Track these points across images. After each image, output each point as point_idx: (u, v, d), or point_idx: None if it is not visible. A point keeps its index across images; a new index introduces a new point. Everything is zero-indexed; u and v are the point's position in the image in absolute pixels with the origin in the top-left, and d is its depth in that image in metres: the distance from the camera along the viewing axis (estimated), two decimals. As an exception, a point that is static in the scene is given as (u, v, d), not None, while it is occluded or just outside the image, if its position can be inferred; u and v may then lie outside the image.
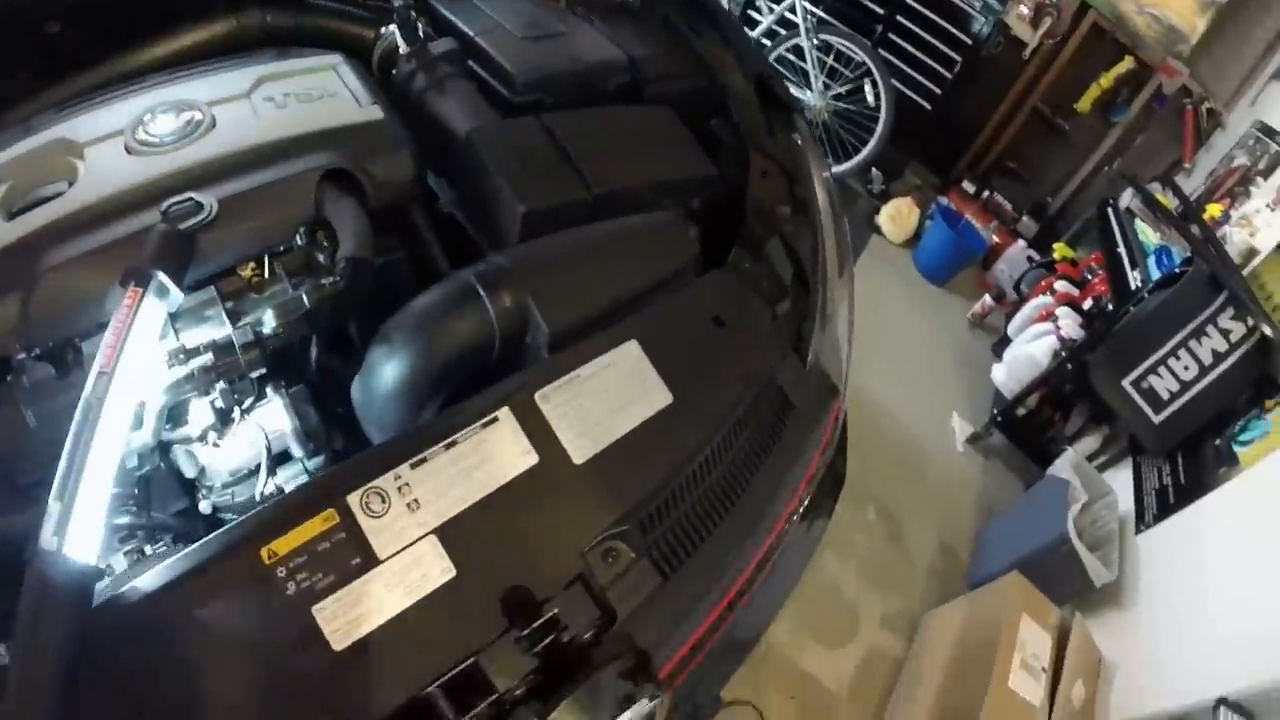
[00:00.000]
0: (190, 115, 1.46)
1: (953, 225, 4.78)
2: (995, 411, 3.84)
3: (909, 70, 5.01)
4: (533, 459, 1.26)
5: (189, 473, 1.31)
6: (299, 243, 1.39)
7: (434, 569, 1.16)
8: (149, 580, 1.04)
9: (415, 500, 1.18)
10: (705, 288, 1.51)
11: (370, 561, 1.13)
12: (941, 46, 4.88)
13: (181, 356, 1.23)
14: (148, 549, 1.31)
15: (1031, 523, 3.21)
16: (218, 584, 1.06)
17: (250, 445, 1.30)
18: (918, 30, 4.90)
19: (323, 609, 1.07)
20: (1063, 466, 3.30)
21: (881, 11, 4.98)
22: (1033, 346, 3.82)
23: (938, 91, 5.03)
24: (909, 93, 4.99)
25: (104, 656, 1.00)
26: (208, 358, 1.25)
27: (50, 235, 1.31)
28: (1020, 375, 3.82)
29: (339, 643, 1.07)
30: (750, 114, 1.78)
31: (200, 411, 1.28)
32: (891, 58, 4.88)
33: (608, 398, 1.34)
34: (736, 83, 1.81)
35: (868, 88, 4.61)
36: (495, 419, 1.26)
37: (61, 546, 1.00)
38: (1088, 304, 3.90)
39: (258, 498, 1.32)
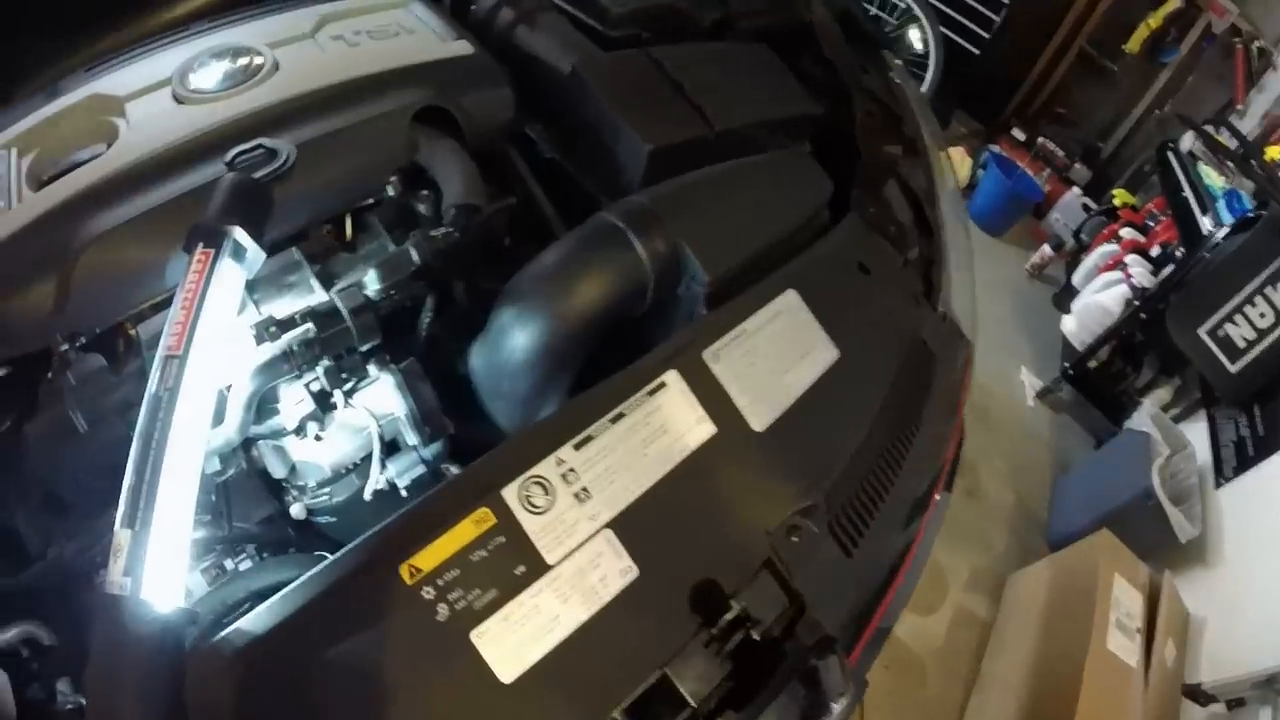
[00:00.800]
0: (248, 59, 1.07)
1: (1008, 173, 4.18)
2: (1066, 364, 3.32)
3: (952, 13, 4.27)
4: (709, 428, 0.94)
5: (277, 472, 1.00)
6: (391, 192, 1.06)
7: (613, 569, 0.85)
8: (258, 620, 0.74)
9: (584, 489, 0.85)
10: (846, 231, 1.14)
11: (538, 568, 0.81)
12: None
13: (273, 330, 0.91)
14: (229, 563, 0.99)
15: (1112, 477, 2.80)
16: (348, 615, 0.76)
17: (354, 435, 0.97)
18: None
19: (484, 633, 0.77)
20: (1142, 419, 2.88)
21: None
22: (1103, 296, 3.27)
23: (984, 35, 4.27)
24: (954, 36, 4.27)
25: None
26: (307, 329, 0.92)
27: (88, 201, 0.96)
28: (1091, 326, 3.28)
29: (508, 673, 0.77)
30: (842, 50, 1.40)
31: (293, 398, 0.95)
32: (937, 2, 4.18)
33: (777, 354, 1.03)
34: (823, 18, 1.43)
35: (914, 33, 4.01)
36: (663, 384, 0.94)
37: (137, 589, 0.68)
38: (1155, 250, 3.37)
39: (366, 496, 0.99)
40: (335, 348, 0.91)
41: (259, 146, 0.96)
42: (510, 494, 0.80)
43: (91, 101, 1.11)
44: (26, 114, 1.14)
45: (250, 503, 0.99)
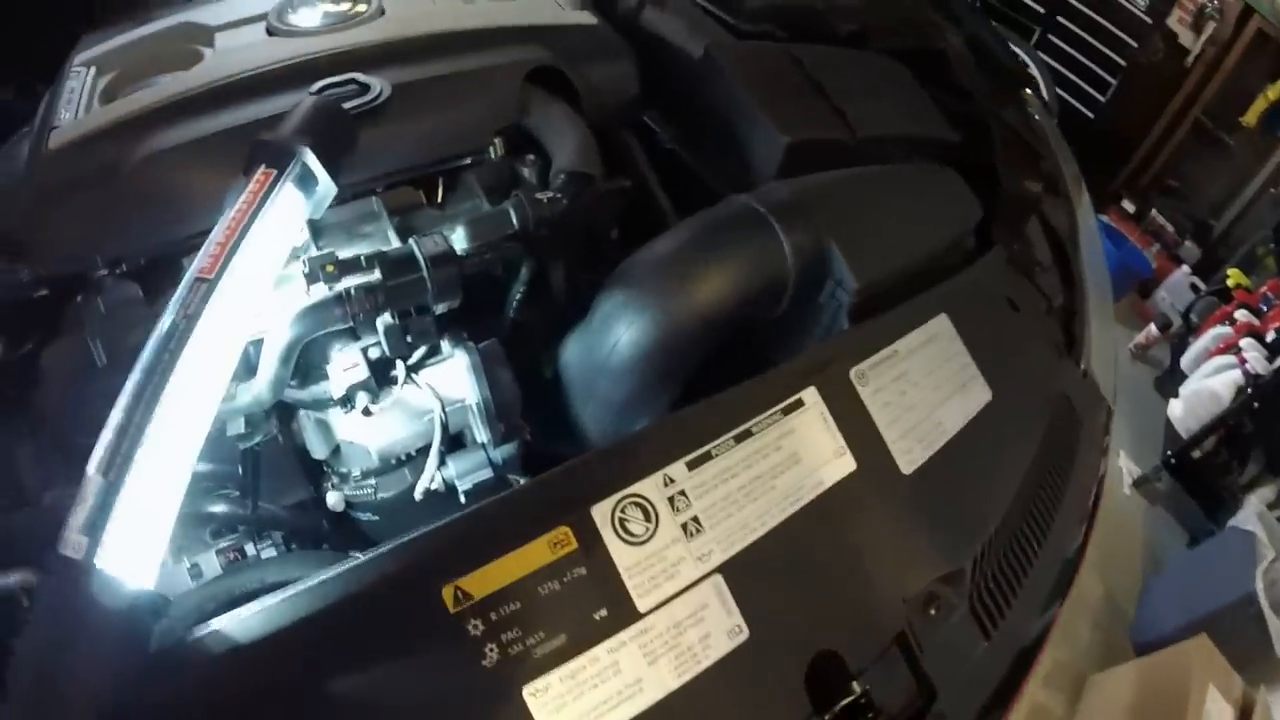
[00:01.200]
0: (352, 2, 0.83)
1: (1116, 245, 3.70)
2: (1168, 452, 2.89)
3: (1068, 73, 3.81)
4: (848, 463, 0.71)
5: (317, 451, 0.78)
6: (494, 154, 0.85)
7: (719, 627, 0.61)
8: (249, 622, 0.54)
9: (695, 519, 0.63)
10: (995, 262, 0.90)
11: (625, 615, 0.59)
12: (1104, 49, 3.68)
13: (330, 269, 0.70)
14: (250, 548, 0.79)
15: (1210, 578, 2.42)
16: (365, 638, 0.54)
17: (412, 418, 0.75)
18: (1079, 32, 3.68)
19: (541, 691, 0.55)
20: (1246, 517, 2.50)
21: (1041, 10, 3.72)
22: (1214, 381, 2.86)
23: (1099, 99, 3.83)
24: (1068, 98, 3.82)
25: None
26: (373, 275, 0.70)
27: (153, 118, 0.78)
28: (1199, 412, 2.88)
29: None
30: (979, 81, 1.17)
31: (346, 362, 0.74)
32: (1051, 61, 3.71)
33: (929, 385, 0.79)
34: (958, 47, 1.21)
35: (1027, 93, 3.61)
36: (800, 402, 0.71)
37: (93, 553, 0.48)
38: (1271, 336, 2.94)
39: (417, 495, 0.76)
40: (403, 301, 0.70)
41: (351, 81, 0.78)
42: (601, 514, 0.59)
43: (181, 28, 0.96)
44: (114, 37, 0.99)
45: (282, 483, 0.79)
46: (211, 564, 0.77)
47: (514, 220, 0.74)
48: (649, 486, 0.60)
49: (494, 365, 0.72)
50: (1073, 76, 3.76)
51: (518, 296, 0.78)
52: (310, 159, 0.67)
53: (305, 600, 0.54)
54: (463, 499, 0.74)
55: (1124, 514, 2.91)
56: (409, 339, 0.71)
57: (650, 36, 1.03)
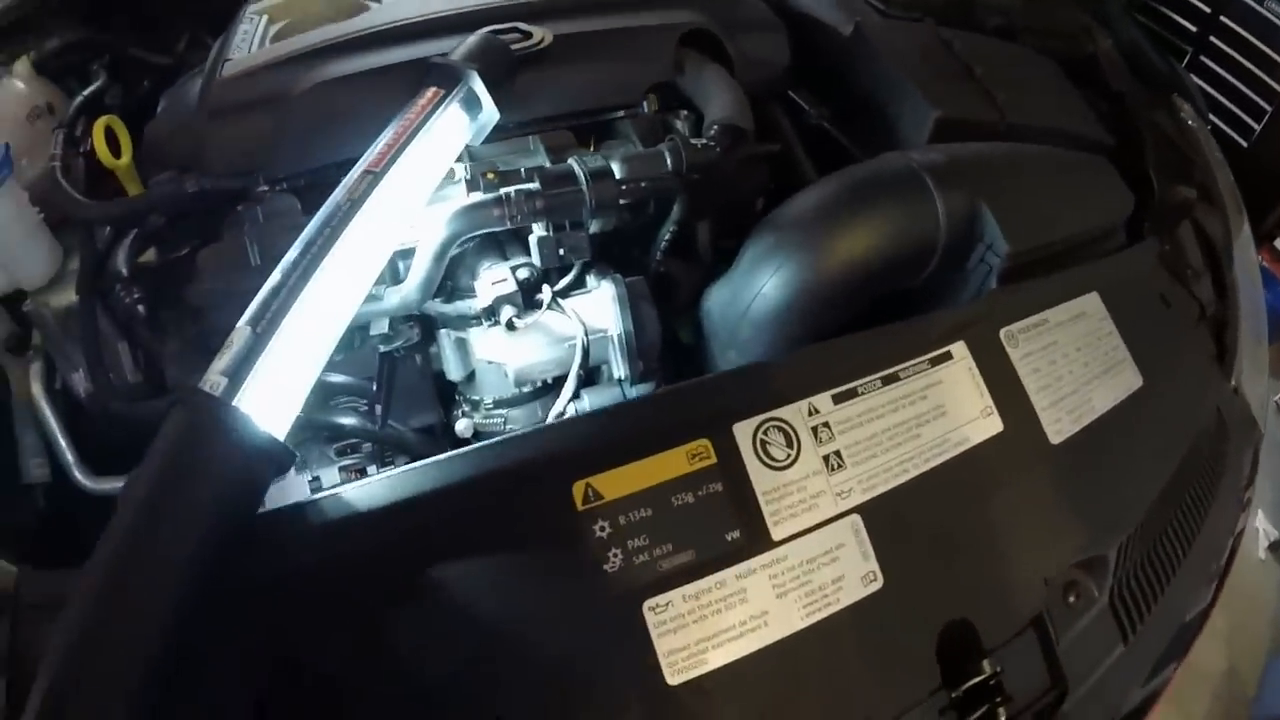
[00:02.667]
0: None
1: (1270, 289, 3.33)
2: None
3: (1222, 98, 3.38)
4: (995, 424, 0.67)
5: (453, 373, 0.77)
6: (646, 109, 0.85)
7: (854, 571, 0.57)
8: (369, 491, 0.54)
9: (837, 453, 0.60)
10: (1147, 255, 0.84)
11: (758, 541, 0.56)
12: (1260, 74, 3.30)
13: (492, 178, 0.71)
14: (372, 470, 0.78)
15: None
16: (486, 524, 0.53)
17: (553, 344, 0.73)
18: (1234, 54, 3.35)
19: (662, 607, 0.53)
20: None
21: (1194, 30, 3.39)
22: None
23: (1254, 126, 3.37)
24: (1221, 124, 3.35)
25: (265, 599, 0.50)
26: (533, 184, 0.71)
27: (321, 53, 0.81)
28: None
29: (677, 672, 0.52)
30: (1131, 84, 1.13)
31: (496, 276, 0.73)
32: (1203, 84, 3.33)
33: (1080, 359, 0.74)
34: (1108, 50, 1.17)
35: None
36: (948, 354, 0.67)
37: (234, 396, 0.50)
38: None
39: (553, 419, 0.74)
40: (561, 212, 0.70)
41: (514, 28, 0.79)
42: (743, 432, 0.56)
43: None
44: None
45: (414, 404, 0.79)
46: (333, 479, 0.77)
47: (668, 161, 0.73)
48: (793, 413, 0.57)
49: (639, 299, 0.71)
50: (1226, 102, 3.36)
51: (667, 237, 0.76)
52: (477, 83, 0.67)
53: (431, 474, 0.53)
54: None
55: (1256, 580, 2.57)
56: (561, 251, 0.71)
57: (799, 15, 1.01)
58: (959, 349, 0.66)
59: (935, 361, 0.64)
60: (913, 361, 0.63)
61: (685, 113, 0.83)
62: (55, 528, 0.85)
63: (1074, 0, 1.22)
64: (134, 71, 1.04)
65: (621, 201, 0.71)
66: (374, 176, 0.59)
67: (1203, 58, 2.94)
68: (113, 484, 0.79)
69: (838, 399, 0.59)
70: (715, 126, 0.76)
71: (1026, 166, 0.82)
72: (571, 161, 0.72)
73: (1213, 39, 2.96)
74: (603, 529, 0.52)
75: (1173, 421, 0.80)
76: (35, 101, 0.96)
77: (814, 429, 0.57)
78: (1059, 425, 0.68)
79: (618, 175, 0.72)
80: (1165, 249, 0.97)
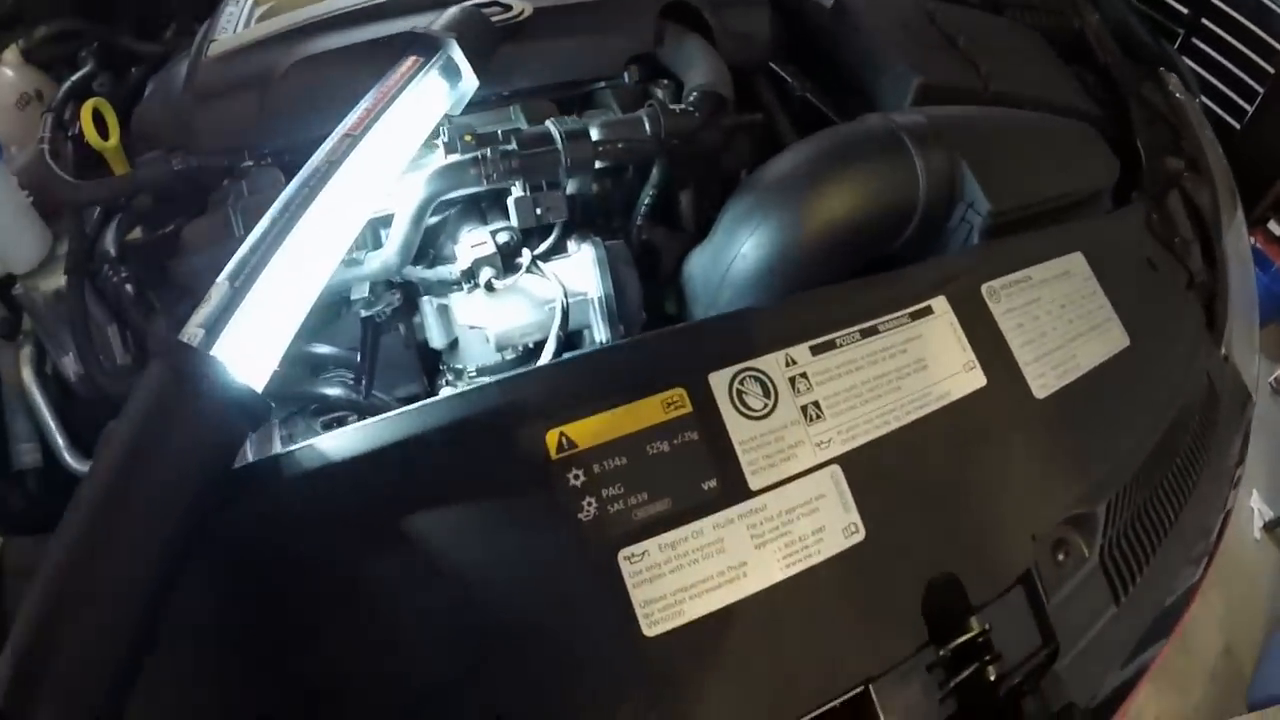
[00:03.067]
0: None
1: (1264, 270, 3.28)
2: None
3: (1215, 82, 3.28)
4: (979, 378, 0.66)
5: (436, 340, 0.78)
6: (627, 80, 0.86)
7: (834, 522, 0.57)
8: (344, 441, 0.54)
9: (815, 404, 0.60)
10: (1133, 218, 0.84)
11: (735, 490, 0.55)
12: (1253, 56, 3.21)
13: (470, 139, 0.72)
14: None
15: None
16: (459, 473, 0.53)
17: (535, 305, 0.74)
18: (1227, 37, 3.25)
19: (637, 556, 0.52)
20: None
21: (1185, 11, 3.29)
22: None
23: (1247, 109, 3.29)
24: (1213, 105, 3.24)
25: (241, 553, 0.51)
26: (510, 145, 0.72)
27: (305, 31, 0.82)
28: None
29: (654, 622, 0.51)
30: (1118, 57, 1.12)
31: (475, 240, 0.74)
32: (1195, 67, 3.23)
33: (1063, 316, 0.73)
34: (1095, 25, 1.17)
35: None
36: (929, 309, 0.67)
37: (208, 345, 0.50)
38: None
39: None
40: (537, 172, 0.71)
41: (494, 1, 0.80)
42: (719, 382, 0.56)
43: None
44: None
45: (397, 374, 0.79)
46: None
47: (646, 126, 0.73)
48: (770, 363, 0.57)
49: (619, 263, 0.71)
50: (1218, 84, 3.27)
51: (646, 201, 0.76)
52: (455, 51, 0.67)
53: (405, 421, 0.52)
54: None
55: (1253, 561, 2.60)
56: (538, 211, 0.71)
57: None
58: (940, 303, 0.65)
59: (916, 315, 0.64)
60: (892, 315, 0.63)
61: (666, 82, 0.83)
62: (47, 513, 0.85)
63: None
64: (122, 59, 1.04)
65: (598, 164, 0.71)
66: (352, 140, 0.59)
67: (1195, 40, 2.90)
68: (103, 467, 0.80)
69: (816, 350, 0.58)
70: (695, 93, 0.76)
71: (1009, 128, 0.81)
72: (549, 123, 0.72)
73: (1205, 21, 2.94)
74: (577, 478, 0.51)
75: (1161, 382, 0.79)
76: (24, 89, 0.97)
77: (791, 380, 0.57)
78: (1043, 380, 0.67)
79: (594, 137, 0.72)
80: (1153, 217, 0.96)
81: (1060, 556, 0.65)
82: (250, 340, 0.51)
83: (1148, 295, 0.83)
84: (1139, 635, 0.76)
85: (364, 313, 0.73)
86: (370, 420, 0.53)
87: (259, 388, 0.51)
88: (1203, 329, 0.93)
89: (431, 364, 0.80)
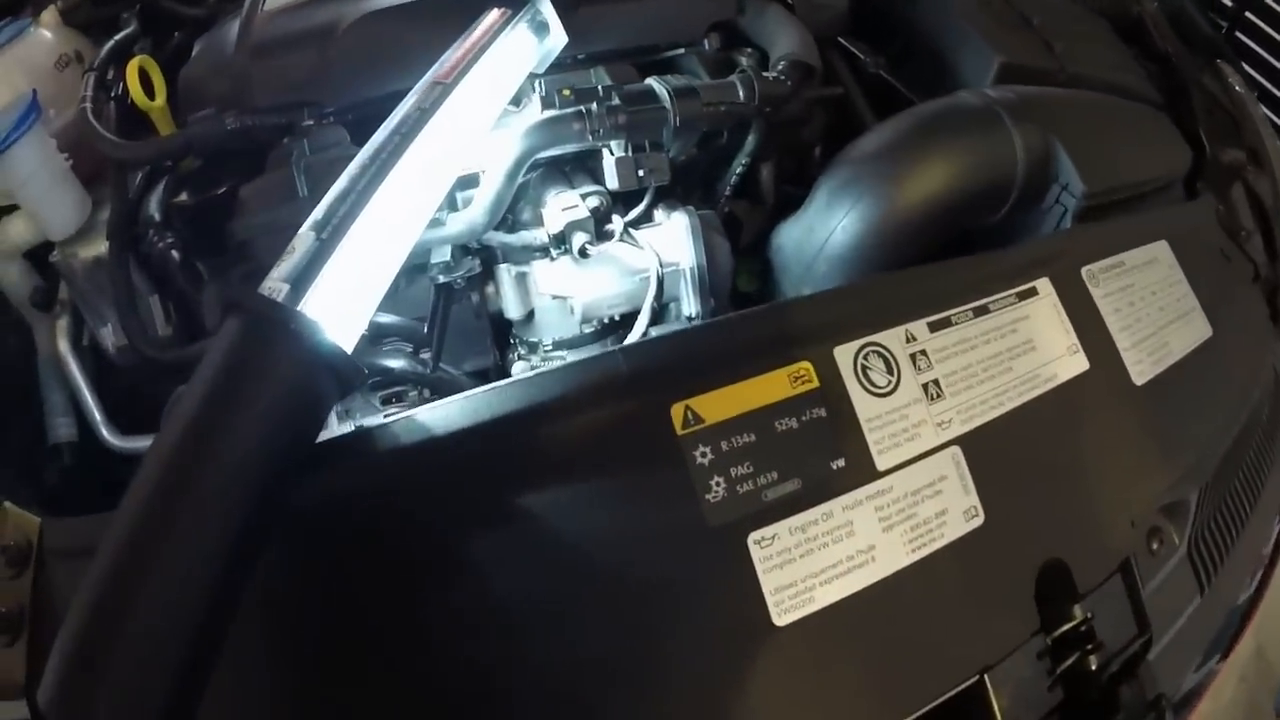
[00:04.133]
0: None
1: None
2: None
3: (1260, 79, 3.04)
4: (1081, 362, 0.64)
5: (512, 310, 0.73)
6: (708, 47, 0.82)
7: (956, 505, 0.54)
8: (444, 414, 0.49)
9: (936, 382, 0.57)
10: (1206, 210, 0.84)
11: (863, 470, 0.52)
12: None
13: (568, 94, 0.68)
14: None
15: None
16: (577, 446, 0.49)
17: (625, 275, 0.69)
18: (1271, 32, 3.09)
19: (766, 542, 0.49)
20: None
21: (1229, 4, 3.09)
22: None
23: None
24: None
25: (330, 538, 0.46)
26: (613, 101, 0.68)
27: None
28: None
29: (784, 611, 0.48)
30: (1177, 46, 1.12)
31: (566, 203, 0.69)
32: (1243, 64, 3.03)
33: (1155, 304, 0.71)
34: (1153, 12, 1.16)
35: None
36: (1034, 289, 0.64)
37: (294, 300, 0.45)
38: None
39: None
40: (642, 130, 0.68)
41: (572, -36, 0.77)
42: (844, 356, 0.52)
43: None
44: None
45: (467, 346, 0.75)
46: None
47: (740, 92, 0.70)
48: (892, 338, 0.54)
49: (712, 231, 0.68)
50: (1263, 80, 3.02)
51: (738, 170, 0.73)
52: (545, 5, 0.63)
53: (514, 393, 0.48)
54: None
55: None
56: (641, 173, 0.67)
57: None
58: (1043, 285, 0.63)
59: (1022, 296, 0.61)
60: (1001, 294, 0.60)
61: (751, 51, 0.80)
62: (82, 487, 0.82)
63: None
64: (166, 22, 0.98)
65: (703, 126, 0.69)
66: (444, 88, 0.55)
67: (1239, 34, 2.87)
68: (141, 442, 0.75)
69: (933, 327, 0.56)
70: (783, 62, 0.74)
71: (1099, 110, 0.79)
72: (651, 80, 0.69)
73: (1249, 14, 2.89)
74: (704, 455, 0.48)
75: (1239, 374, 0.78)
76: (63, 50, 0.92)
77: (912, 356, 0.54)
78: (1140, 367, 0.65)
79: (701, 97, 0.69)
80: (1219, 208, 0.96)
81: (1155, 545, 0.65)
82: (339, 298, 0.46)
83: (1223, 286, 0.81)
84: (1218, 628, 0.76)
85: (442, 278, 0.68)
86: (476, 391, 0.49)
87: (349, 349, 0.48)
88: (1269, 322, 0.93)
89: (502, 336, 0.76)
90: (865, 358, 0.52)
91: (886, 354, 0.53)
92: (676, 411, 0.48)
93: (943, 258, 0.69)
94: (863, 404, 0.52)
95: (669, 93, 0.68)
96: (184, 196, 0.77)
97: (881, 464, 0.51)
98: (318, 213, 0.48)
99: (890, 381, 0.53)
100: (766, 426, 0.49)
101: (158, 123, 0.83)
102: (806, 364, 0.51)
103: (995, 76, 0.83)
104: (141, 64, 0.80)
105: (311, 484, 0.44)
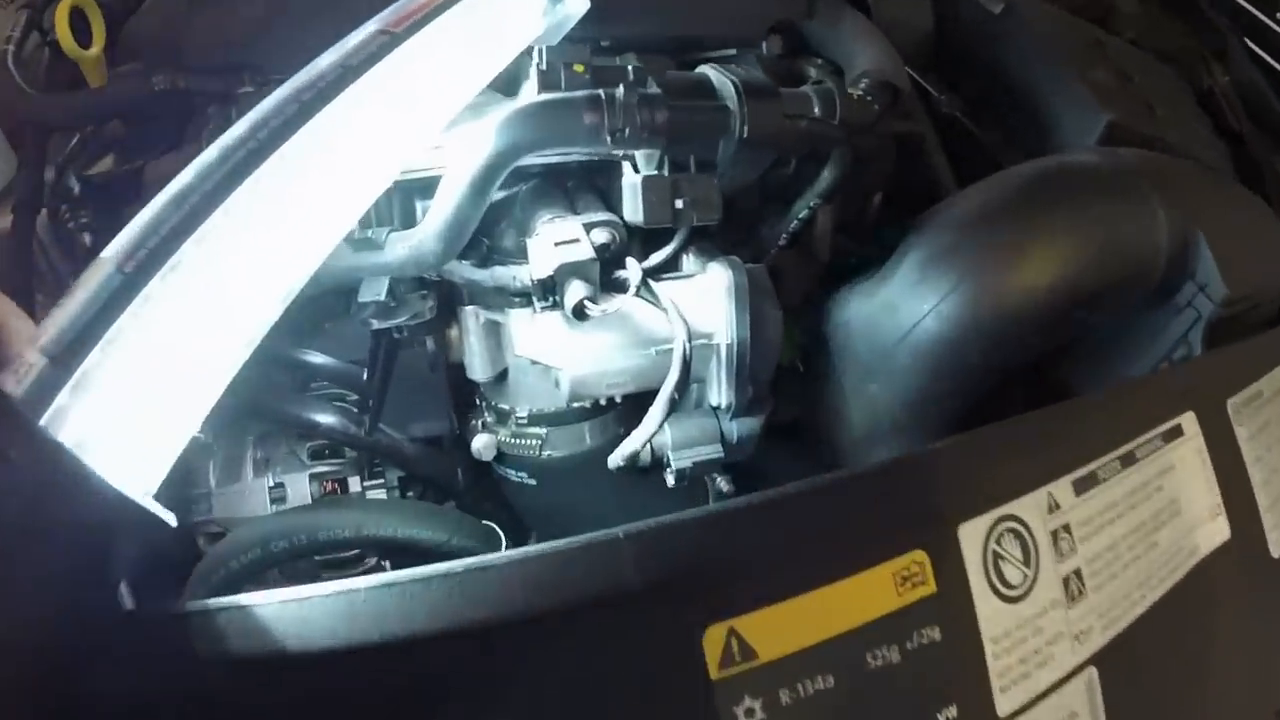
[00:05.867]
0: None
1: None
2: None
3: None
4: (1223, 529, 0.44)
5: (477, 370, 0.50)
6: (766, 51, 0.59)
7: None
8: (333, 607, 0.25)
9: (1077, 573, 0.35)
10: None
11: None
12: None
13: (581, 70, 0.44)
14: (354, 482, 0.53)
15: None
16: (551, 700, 0.24)
17: (635, 347, 0.45)
18: None
19: None
20: None
21: None
22: None
23: None
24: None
25: None
26: (649, 88, 0.43)
27: None
28: None
29: None
30: (1251, 128, 0.94)
31: (563, 234, 0.44)
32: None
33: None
34: (1225, 87, 0.98)
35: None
36: (1178, 428, 0.43)
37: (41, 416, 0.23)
38: None
39: (612, 462, 0.46)
40: (692, 138, 0.43)
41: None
42: (972, 538, 0.32)
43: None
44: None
45: (418, 405, 0.53)
46: (301, 489, 0.52)
47: (815, 107, 0.48)
48: (1031, 508, 0.34)
49: (763, 296, 0.45)
50: None
51: (805, 210, 0.49)
52: None
53: (456, 591, 0.27)
54: (671, 480, 0.46)
55: None
56: (679, 204, 0.43)
57: None
58: (1189, 421, 0.44)
59: (1168, 436, 0.42)
60: (1148, 435, 0.41)
61: (820, 62, 0.58)
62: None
63: (1193, 31, 1.04)
64: None
65: (779, 145, 0.46)
66: (389, 40, 0.34)
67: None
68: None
69: (1079, 486, 0.36)
70: (866, 80, 0.52)
71: (1236, 199, 0.60)
72: (709, 70, 0.46)
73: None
74: (750, 714, 0.27)
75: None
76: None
77: (1054, 534, 0.34)
78: (1276, 533, 0.47)
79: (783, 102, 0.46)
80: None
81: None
82: (133, 396, 0.26)
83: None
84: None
85: (375, 324, 0.46)
86: (395, 577, 0.27)
87: (150, 489, 0.26)
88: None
89: (464, 390, 0.54)
90: (998, 540, 0.33)
91: (1024, 532, 0.34)
92: (713, 639, 0.28)
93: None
94: (990, 615, 0.32)
95: (736, 88, 0.44)
96: (100, 167, 0.63)
97: (1004, 707, 0.32)
98: (120, 240, 0.27)
99: (1025, 578, 0.33)
100: (855, 662, 0.29)
101: (88, 75, 0.63)
102: (920, 554, 0.31)
103: (1101, 138, 0.63)
104: (76, 3, 0.59)
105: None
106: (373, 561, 0.56)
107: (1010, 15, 0.71)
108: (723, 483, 0.51)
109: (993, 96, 0.72)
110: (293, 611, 0.26)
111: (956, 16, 0.74)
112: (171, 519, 0.27)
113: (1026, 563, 0.33)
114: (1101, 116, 0.64)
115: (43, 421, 0.24)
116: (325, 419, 0.50)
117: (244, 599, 0.27)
